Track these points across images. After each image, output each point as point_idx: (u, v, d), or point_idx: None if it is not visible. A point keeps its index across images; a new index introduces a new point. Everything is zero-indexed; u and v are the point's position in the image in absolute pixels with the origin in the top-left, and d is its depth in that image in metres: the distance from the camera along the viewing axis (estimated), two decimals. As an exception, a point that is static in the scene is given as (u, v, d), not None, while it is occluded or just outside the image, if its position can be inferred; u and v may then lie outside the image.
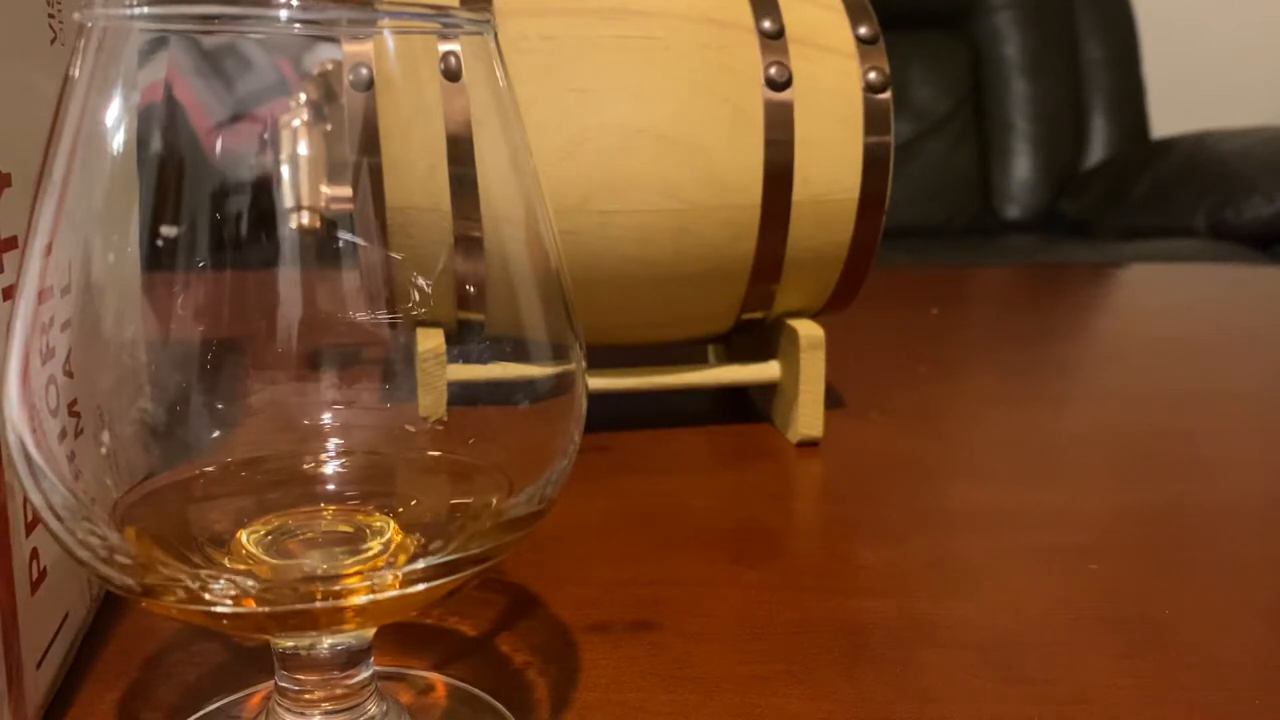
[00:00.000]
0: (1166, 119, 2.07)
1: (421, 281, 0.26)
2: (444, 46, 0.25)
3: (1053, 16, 2.05)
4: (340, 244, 0.25)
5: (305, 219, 0.25)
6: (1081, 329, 0.77)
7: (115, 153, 0.23)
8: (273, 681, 0.26)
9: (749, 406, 0.57)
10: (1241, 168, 1.71)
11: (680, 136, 0.47)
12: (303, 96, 0.25)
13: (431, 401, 0.28)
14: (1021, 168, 2.03)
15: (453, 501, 0.28)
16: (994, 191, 2.03)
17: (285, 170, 0.25)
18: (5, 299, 0.27)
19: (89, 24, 0.22)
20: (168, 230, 0.24)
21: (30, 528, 0.28)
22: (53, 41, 0.31)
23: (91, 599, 0.34)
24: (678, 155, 0.47)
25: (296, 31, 0.23)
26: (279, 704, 0.26)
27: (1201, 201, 1.71)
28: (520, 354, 0.26)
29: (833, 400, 0.57)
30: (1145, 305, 0.91)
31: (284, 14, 0.23)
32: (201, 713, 0.30)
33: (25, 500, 0.27)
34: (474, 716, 0.30)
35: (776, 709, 0.31)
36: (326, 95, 0.25)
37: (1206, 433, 0.54)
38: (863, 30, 0.50)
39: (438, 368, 0.26)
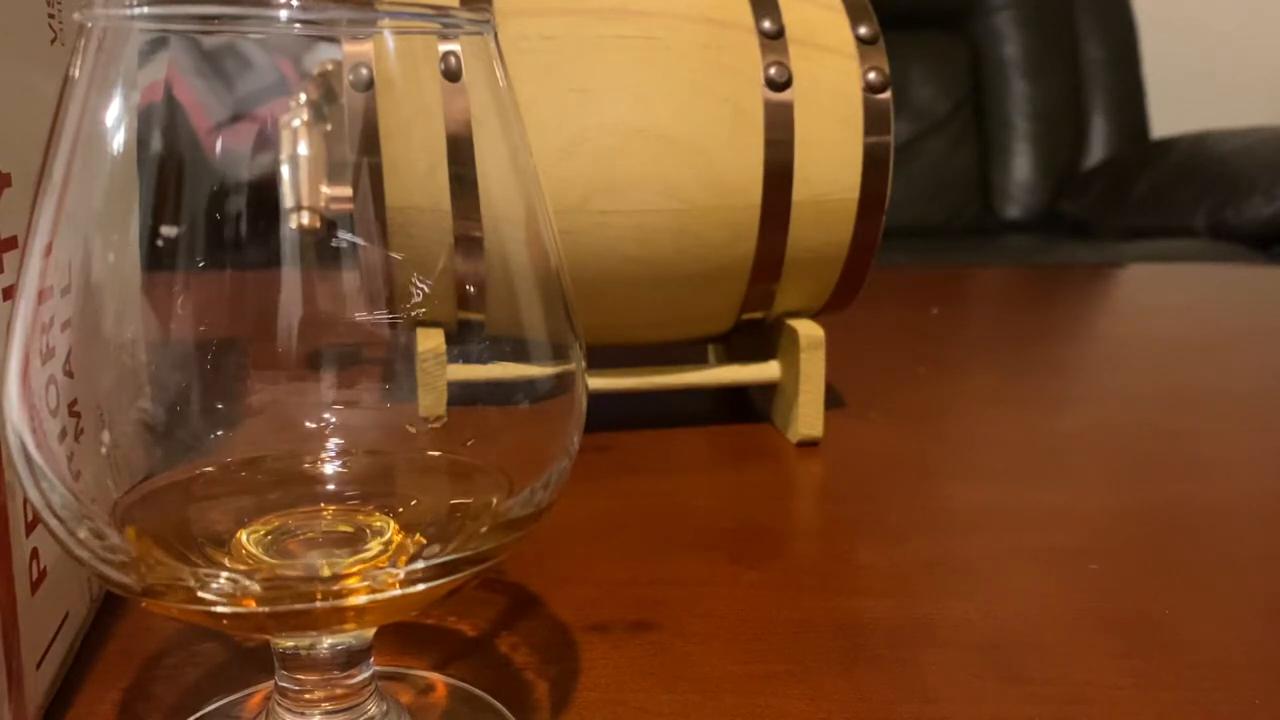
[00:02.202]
0: (1166, 119, 2.07)
1: (421, 282, 0.26)
2: (444, 46, 0.25)
3: (1053, 16, 2.05)
4: (340, 244, 0.25)
5: (305, 219, 0.25)
6: (1081, 329, 0.77)
7: (115, 153, 0.23)
8: (273, 681, 0.26)
9: (749, 406, 0.57)
10: (1241, 168, 1.71)
11: (680, 136, 0.47)
12: (303, 96, 0.25)
13: (431, 401, 0.28)
14: (1021, 168, 2.03)
15: (453, 501, 0.28)
16: (994, 191, 2.03)
17: (285, 170, 0.25)
18: (5, 299, 0.27)
19: (89, 24, 0.22)
20: (168, 230, 0.24)
21: (30, 528, 0.28)
22: (53, 41, 0.31)
23: (91, 599, 0.34)
24: (678, 155, 0.47)
25: (296, 31, 0.23)
26: (279, 704, 0.26)
27: (1201, 201, 1.71)
28: (520, 354, 0.26)
29: (833, 400, 0.57)
30: (1145, 305, 0.91)
31: (284, 14, 0.23)
32: (201, 713, 0.30)
33: (25, 500, 0.27)
34: (474, 716, 0.30)
35: (776, 709, 0.31)
36: (326, 95, 0.25)
37: (1206, 433, 0.54)
38: (863, 30, 0.50)
39: (438, 368, 0.26)
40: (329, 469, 0.28)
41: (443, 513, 0.28)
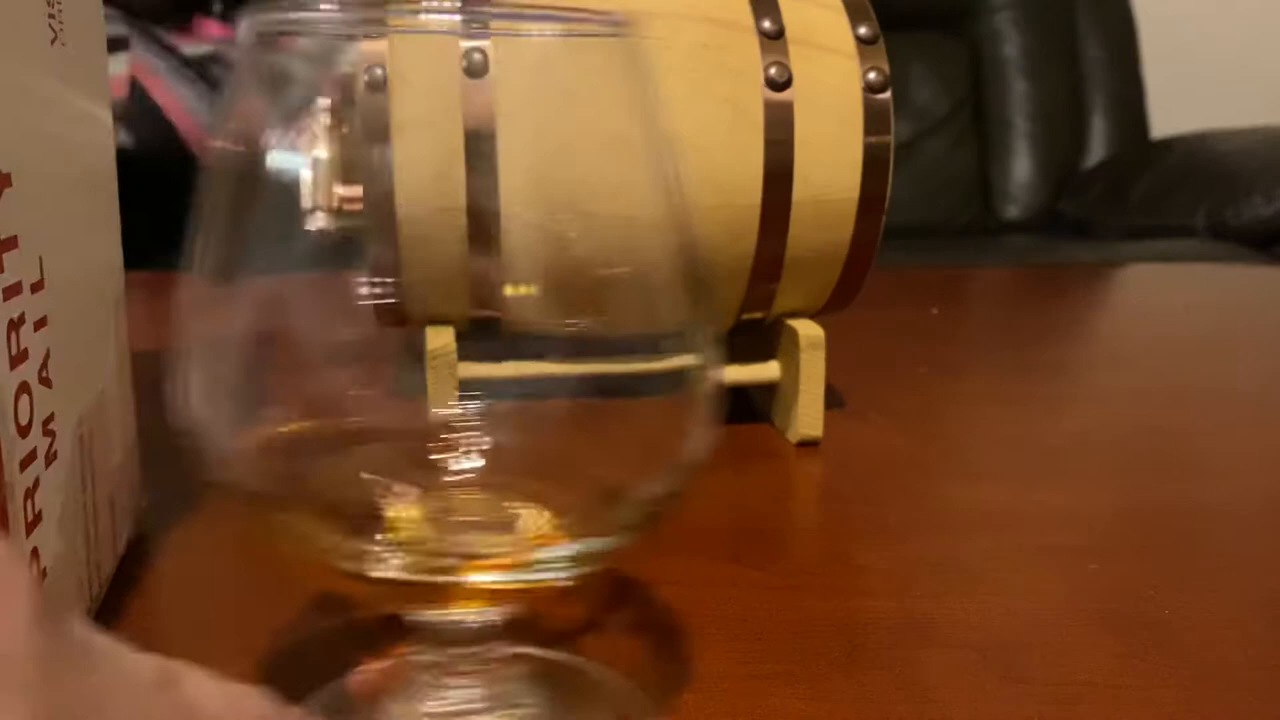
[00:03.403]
0: (1166, 119, 2.07)
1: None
2: (466, 43, 0.25)
3: (1053, 16, 2.05)
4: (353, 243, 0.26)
5: (319, 219, 0.25)
6: (1081, 329, 0.77)
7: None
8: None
9: (749, 406, 0.57)
10: (1241, 168, 1.72)
11: (680, 136, 0.47)
12: (319, 98, 0.25)
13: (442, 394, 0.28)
14: (1021, 168, 2.03)
15: (595, 490, 0.28)
16: (994, 191, 2.03)
17: (299, 171, 0.25)
18: (5, 299, 0.27)
19: None
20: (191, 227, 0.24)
21: (30, 528, 0.28)
22: (53, 41, 0.31)
23: (91, 599, 0.34)
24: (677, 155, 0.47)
25: (319, 32, 0.23)
26: (416, 675, 0.27)
27: (1201, 201, 1.71)
28: (649, 347, 0.27)
29: (833, 400, 0.57)
30: (1145, 305, 0.91)
31: (303, 14, 0.23)
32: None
33: (25, 500, 0.28)
34: (603, 692, 0.31)
35: (776, 709, 0.31)
36: (342, 95, 0.25)
37: (1206, 433, 0.54)
38: (863, 30, 0.50)
39: (450, 367, 0.27)
40: (477, 453, 0.28)
41: (586, 501, 0.28)
